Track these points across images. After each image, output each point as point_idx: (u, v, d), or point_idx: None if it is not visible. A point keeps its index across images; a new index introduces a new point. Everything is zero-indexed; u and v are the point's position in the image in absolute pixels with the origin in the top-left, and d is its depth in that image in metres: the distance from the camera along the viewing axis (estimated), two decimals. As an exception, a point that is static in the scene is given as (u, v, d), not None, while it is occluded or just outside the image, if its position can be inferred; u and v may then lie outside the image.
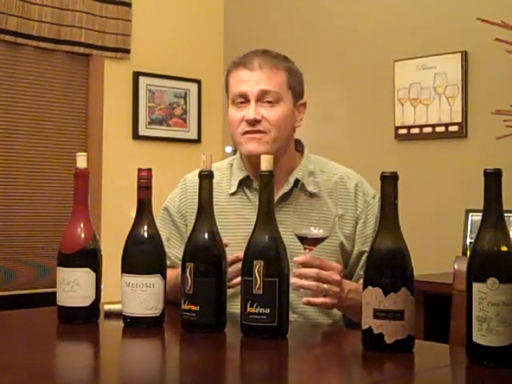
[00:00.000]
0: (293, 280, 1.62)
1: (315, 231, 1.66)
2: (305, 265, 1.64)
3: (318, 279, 1.63)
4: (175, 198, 1.99)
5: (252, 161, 1.89)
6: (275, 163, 1.87)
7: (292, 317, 1.77)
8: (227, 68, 1.96)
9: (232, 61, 1.95)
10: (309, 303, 1.66)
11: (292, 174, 1.93)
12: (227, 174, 1.98)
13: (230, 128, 1.93)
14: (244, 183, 1.94)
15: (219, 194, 1.92)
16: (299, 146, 2.01)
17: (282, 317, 1.46)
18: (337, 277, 1.65)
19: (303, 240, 1.67)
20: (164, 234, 1.91)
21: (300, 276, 1.63)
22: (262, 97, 1.87)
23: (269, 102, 1.87)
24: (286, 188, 1.91)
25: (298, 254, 1.78)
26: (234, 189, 1.94)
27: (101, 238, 1.69)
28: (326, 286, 1.63)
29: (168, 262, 1.87)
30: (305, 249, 1.66)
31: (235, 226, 1.87)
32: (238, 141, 1.90)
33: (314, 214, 1.74)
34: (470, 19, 3.25)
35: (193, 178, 1.93)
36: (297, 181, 1.90)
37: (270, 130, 1.86)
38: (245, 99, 1.88)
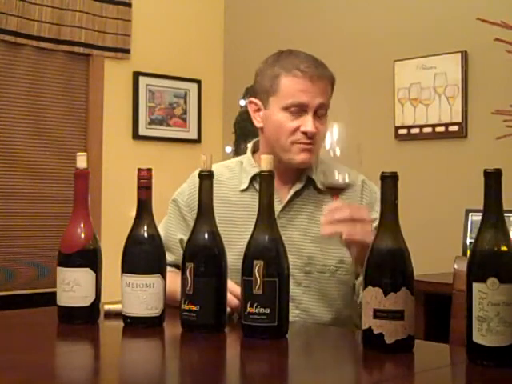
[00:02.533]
0: (324, 229, 1.62)
1: (341, 180, 1.68)
2: (336, 210, 1.63)
3: (351, 220, 1.61)
4: (184, 192, 1.99)
5: (287, 166, 1.91)
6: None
7: (294, 313, 1.78)
8: (278, 67, 1.89)
9: (284, 62, 1.90)
10: (350, 239, 1.63)
11: (303, 172, 1.95)
12: (237, 171, 1.99)
13: (277, 133, 1.90)
14: (255, 179, 1.95)
15: (229, 190, 1.95)
16: None
17: (282, 317, 1.46)
18: (367, 216, 1.64)
19: (331, 190, 1.69)
20: (174, 223, 1.96)
21: (332, 222, 1.62)
22: (317, 109, 1.87)
23: (319, 115, 1.88)
24: (299, 185, 1.93)
25: (303, 252, 1.82)
26: (245, 185, 1.94)
27: (101, 238, 1.69)
28: (359, 225, 1.61)
29: (173, 258, 1.88)
30: (332, 197, 1.68)
31: (245, 222, 1.88)
32: (287, 148, 1.88)
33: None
34: (470, 19, 3.26)
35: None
36: (309, 179, 1.94)
37: (318, 140, 1.86)
38: (301, 109, 1.87)
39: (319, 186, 1.91)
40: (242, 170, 1.98)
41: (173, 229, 1.97)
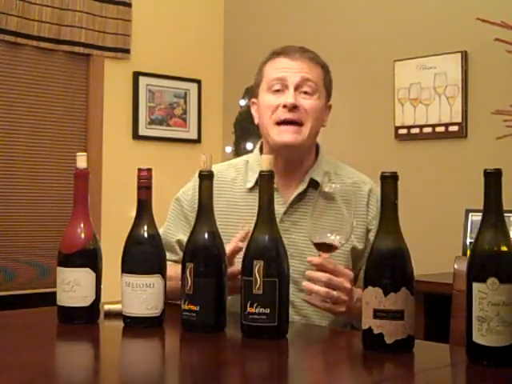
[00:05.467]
0: (304, 283, 1.63)
1: (332, 237, 1.65)
2: (318, 267, 1.63)
3: (328, 285, 1.62)
4: (188, 191, 1.97)
5: (280, 153, 1.87)
6: (297, 162, 1.89)
7: (295, 318, 1.78)
8: (264, 59, 1.94)
9: (269, 52, 1.95)
10: (312, 304, 1.66)
11: (307, 173, 1.92)
12: (243, 170, 1.97)
13: (262, 115, 1.90)
14: None
15: (235, 190, 1.93)
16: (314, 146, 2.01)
17: (282, 317, 1.46)
18: (347, 285, 1.63)
19: (319, 246, 1.66)
20: (174, 223, 1.95)
21: (311, 280, 1.62)
22: (300, 85, 1.86)
23: (305, 92, 1.86)
24: (301, 188, 1.90)
25: (307, 257, 1.78)
26: (251, 184, 1.91)
27: (101, 238, 1.69)
28: (335, 293, 1.62)
29: (176, 258, 1.89)
30: (319, 255, 1.66)
31: (250, 222, 1.87)
32: (270, 129, 1.87)
33: (330, 218, 1.75)
34: (470, 19, 3.25)
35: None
36: (312, 181, 1.91)
37: (306, 119, 1.85)
38: (283, 86, 1.87)
39: (324, 189, 1.88)
40: (249, 169, 1.95)
41: (172, 229, 1.97)
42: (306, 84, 1.86)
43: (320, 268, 1.63)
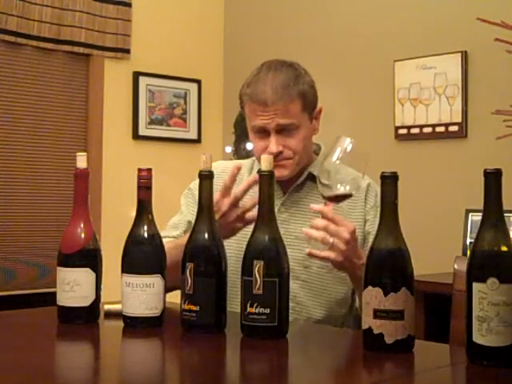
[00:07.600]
0: (304, 229, 1.65)
1: (342, 189, 1.67)
2: (320, 215, 1.64)
3: (325, 231, 1.62)
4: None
5: None
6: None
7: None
8: (244, 91, 1.93)
9: (244, 87, 1.92)
10: (311, 254, 1.65)
11: (305, 167, 1.96)
12: (248, 168, 2.03)
13: (254, 152, 1.97)
14: None
15: (240, 184, 1.95)
16: (317, 149, 2.04)
17: (282, 317, 1.46)
18: (346, 235, 1.63)
19: (330, 198, 1.67)
20: (187, 207, 2.00)
21: (312, 227, 1.64)
22: (280, 129, 1.87)
23: (288, 129, 1.88)
24: (300, 180, 1.95)
25: (304, 246, 1.79)
26: None
27: (101, 238, 1.69)
28: (331, 239, 1.62)
29: (175, 233, 1.94)
30: (325, 203, 1.67)
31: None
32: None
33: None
34: (470, 19, 3.26)
35: (218, 166, 1.96)
36: (310, 174, 1.95)
37: (292, 156, 1.89)
38: (264, 131, 1.89)
39: (322, 181, 1.90)
40: (255, 166, 2.01)
41: (185, 212, 2.01)
42: (285, 127, 1.87)
43: (321, 215, 1.64)
